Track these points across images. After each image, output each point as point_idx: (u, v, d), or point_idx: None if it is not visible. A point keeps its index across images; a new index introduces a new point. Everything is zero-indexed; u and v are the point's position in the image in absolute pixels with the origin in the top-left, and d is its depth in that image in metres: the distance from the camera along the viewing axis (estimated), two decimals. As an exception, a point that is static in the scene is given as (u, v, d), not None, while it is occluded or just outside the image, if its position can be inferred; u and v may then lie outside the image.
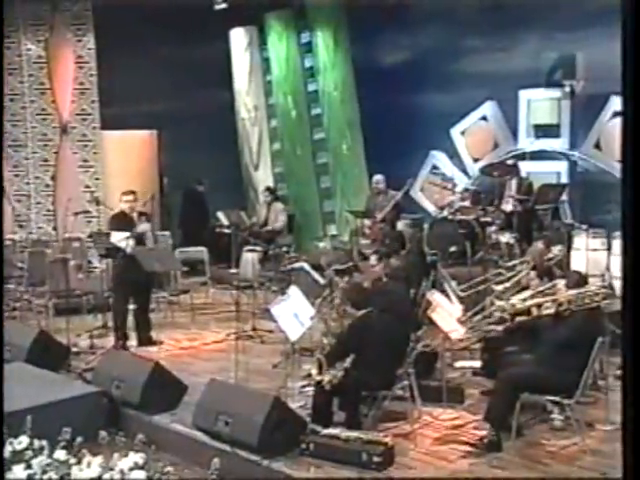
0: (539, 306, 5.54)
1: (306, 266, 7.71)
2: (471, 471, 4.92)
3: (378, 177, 10.43)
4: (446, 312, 5.98)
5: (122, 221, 7.77)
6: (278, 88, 12.72)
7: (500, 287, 6.38)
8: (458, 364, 6.85)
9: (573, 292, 5.36)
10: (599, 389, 5.86)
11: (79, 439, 4.32)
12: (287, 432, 5.17)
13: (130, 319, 8.00)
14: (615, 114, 9.30)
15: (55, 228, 11.08)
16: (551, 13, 9.42)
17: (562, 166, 9.87)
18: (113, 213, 8.00)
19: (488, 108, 10.45)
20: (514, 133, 10.28)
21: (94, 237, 8.97)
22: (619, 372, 6.18)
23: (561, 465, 4.95)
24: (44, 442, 4.33)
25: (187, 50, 11.71)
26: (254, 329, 8.05)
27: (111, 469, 4.13)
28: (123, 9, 10.26)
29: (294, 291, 6.19)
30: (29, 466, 4.19)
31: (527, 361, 5.52)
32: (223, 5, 10.99)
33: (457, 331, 5.92)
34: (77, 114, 11.36)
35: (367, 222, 10.30)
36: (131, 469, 4.11)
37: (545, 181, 9.51)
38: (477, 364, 6.71)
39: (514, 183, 9.35)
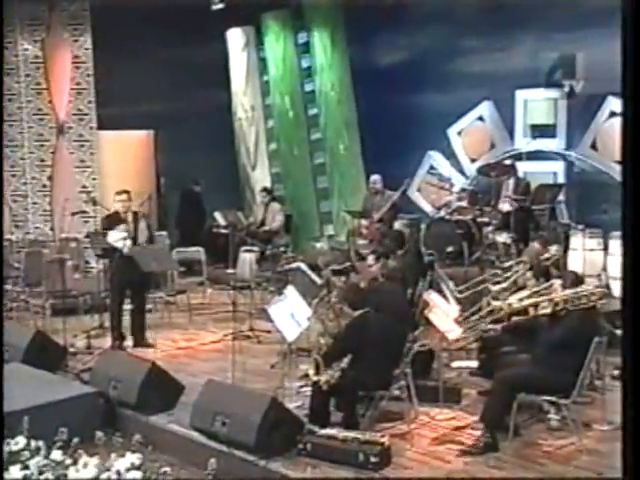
0: (536, 306, 5.54)
1: (303, 266, 7.71)
2: (468, 471, 4.93)
3: (375, 177, 10.44)
4: (443, 312, 5.99)
5: (115, 221, 7.76)
6: (275, 88, 12.72)
7: (497, 287, 6.38)
8: (455, 364, 6.85)
9: (569, 292, 5.37)
10: (596, 389, 5.87)
11: (76, 439, 4.32)
12: (284, 432, 5.17)
13: (128, 319, 7.99)
14: (611, 114, 9.32)
15: (52, 228, 11.06)
16: (548, 13, 9.43)
17: (559, 166, 9.88)
18: (106, 213, 7.99)
19: (485, 108, 10.46)
20: (511, 133, 10.28)
21: (91, 237, 8.96)
22: (616, 372, 6.21)
23: (558, 465, 4.96)
24: (41, 443, 4.33)
25: (184, 50, 11.71)
26: (251, 329, 8.05)
27: (108, 470, 4.14)
28: (120, 9, 10.25)
29: (291, 291, 6.19)
30: (26, 467, 4.19)
31: (524, 361, 5.53)
32: (220, 5, 10.98)
33: (454, 331, 5.93)
34: (74, 114, 11.34)
35: (364, 222, 10.30)
36: (128, 470, 4.11)
37: (542, 181, 9.52)
38: (474, 364, 6.71)
39: (511, 183, 9.37)
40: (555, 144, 9.91)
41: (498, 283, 6.59)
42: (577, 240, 8.15)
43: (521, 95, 10.04)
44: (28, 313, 8.89)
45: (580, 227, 8.28)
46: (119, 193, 7.87)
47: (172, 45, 11.59)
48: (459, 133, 10.72)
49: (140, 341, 7.87)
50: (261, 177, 13.08)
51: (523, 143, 9.99)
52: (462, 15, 10.17)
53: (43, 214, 11.33)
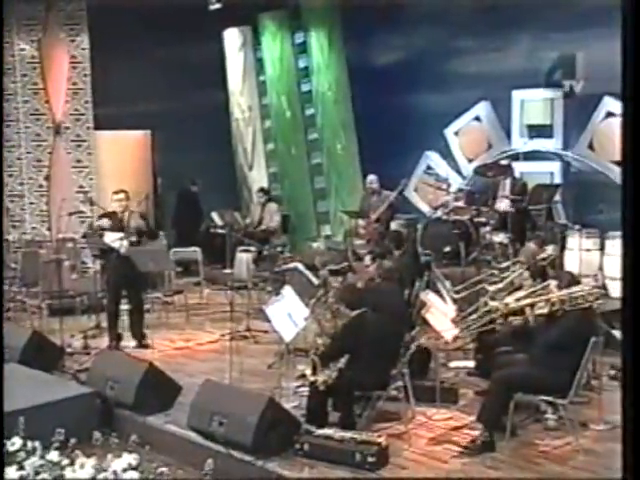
0: (532, 306, 5.55)
1: (300, 266, 7.72)
2: (465, 471, 4.93)
3: (372, 177, 10.44)
4: (440, 312, 6.00)
5: (111, 220, 7.77)
6: (272, 88, 12.72)
7: (493, 288, 6.39)
8: (452, 364, 6.87)
9: (566, 292, 5.38)
10: (592, 389, 5.88)
11: (73, 440, 4.33)
12: (281, 432, 5.17)
13: (124, 319, 7.98)
14: (608, 114, 9.34)
15: (49, 228, 11.04)
16: (544, 13, 9.44)
17: (555, 166, 9.89)
18: (102, 212, 7.99)
19: (482, 108, 10.47)
20: (508, 133, 10.30)
21: (88, 237, 8.95)
22: (612, 372, 6.22)
23: (555, 465, 4.96)
24: (37, 443, 4.33)
25: (181, 50, 11.70)
26: (248, 329, 8.04)
27: (104, 470, 4.14)
28: (117, 9, 10.24)
29: (288, 291, 6.19)
30: (22, 467, 4.19)
31: (521, 361, 5.53)
32: (217, 5, 10.98)
33: (451, 331, 5.93)
34: (71, 114, 11.32)
35: (361, 222, 10.31)
36: (125, 470, 4.13)
37: (539, 181, 9.53)
38: (471, 364, 6.73)
39: (508, 183, 9.38)
40: (552, 144, 9.91)
41: (495, 283, 6.60)
42: (574, 240, 8.16)
43: (518, 95, 10.04)
44: (25, 313, 8.88)
45: (577, 227, 8.29)
46: (116, 192, 7.87)
47: (169, 45, 11.58)
48: (456, 133, 10.73)
49: (140, 341, 7.86)
50: (258, 177, 13.08)
51: (520, 143, 10.00)
52: (458, 15, 10.18)
53: (40, 214, 11.31)
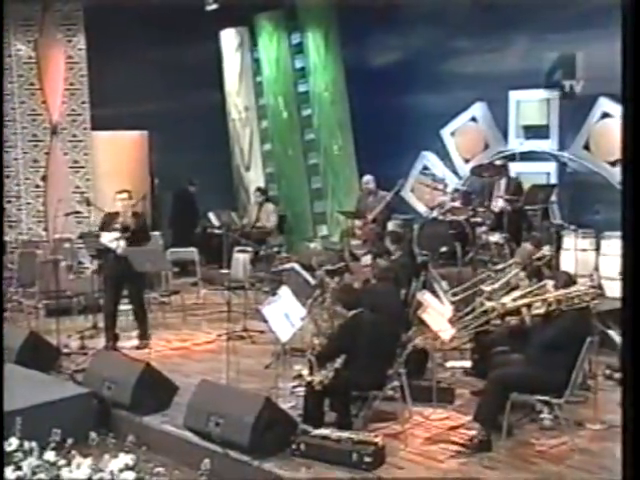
0: (529, 306, 5.57)
1: (297, 267, 7.72)
2: (461, 471, 4.94)
3: (368, 177, 10.46)
4: (437, 312, 6.00)
5: (113, 220, 7.77)
6: (269, 89, 12.73)
7: (489, 288, 6.40)
8: (449, 364, 6.88)
9: (562, 292, 5.40)
10: (588, 388, 5.89)
11: (69, 440, 4.32)
12: (278, 432, 5.18)
13: (121, 319, 7.98)
14: (604, 115, 9.36)
15: (45, 229, 11.04)
16: (540, 14, 9.46)
17: (551, 167, 9.90)
18: (107, 212, 7.99)
19: (478, 109, 10.47)
20: (504, 134, 10.31)
21: (84, 238, 8.95)
22: (608, 371, 6.24)
23: (551, 464, 4.98)
24: (34, 444, 4.32)
25: (178, 51, 11.70)
26: (245, 330, 8.05)
27: (101, 470, 4.14)
28: (114, 10, 10.25)
29: (285, 292, 6.20)
30: (19, 468, 4.19)
31: (517, 361, 5.55)
32: (214, 6, 10.99)
33: (447, 331, 5.94)
34: (67, 115, 11.32)
35: (358, 223, 10.32)
36: (121, 470, 4.13)
37: (535, 181, 9.54)
38: (467, 364, 6.74)
39: (503, 183, 9.40)
40: (548, 145, 9.93)
41: (491, 283, 6.61)
42: (569, 240, 8.17)
43: (514, 96, 10.05)
44: (21, 314, 8.87)
45: (572, 227, 8.30)
46: (120, 192, 7.90)
47: (166, 45, 11.58)
48: (452, 134, 10.74)
49: (144, 340, 7.86)
50: (255, 177, 13.09)
51: (516, 144, 10.01)
52: (455, 16, 10.20)
53: (36, 215, 11.30)
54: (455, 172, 10.77)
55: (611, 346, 6.19)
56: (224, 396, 5.58)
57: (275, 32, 12.48)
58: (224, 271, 9.19)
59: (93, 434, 4.42)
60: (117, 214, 7.79)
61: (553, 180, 9.82)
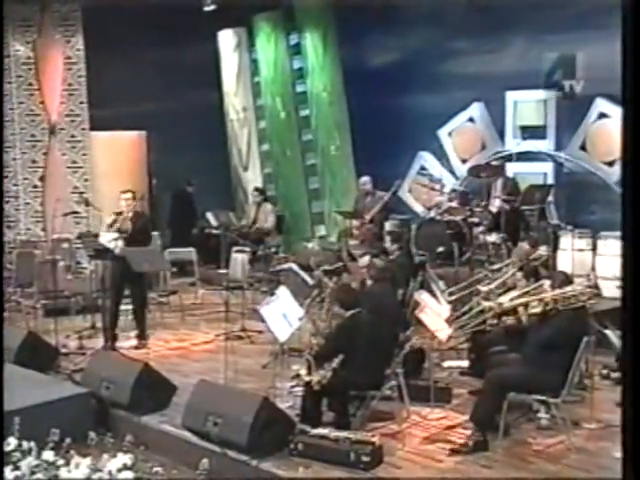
0: (526, 306, 5.59)
1: (295, 267, 7.73)
2: (459, 470, 4.96)
3: (365, 178, 10.49)
4: (434, 312, 6.03)
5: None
6: (267, 89, 12.74)
7: (486, 288, 6.42)
8: (446, 364, 6.89)
9: (559, 292, 5.42)
10: (585, 388, 5.91)
11: (68, 440, 4.33)
12: (276, 432, 5.19)
13: (120, 319, 8.00)
14: (600, 116, 9.39)
15: (44, 229, 11.05)
16: (538, 15, 9.48)
17: (548, 167, 9.93)
18: (115, 211, 8.02)
19: (475, 109, 10.51)
20: (501, 134, 10.33)
21: (83, 238, 8.96)
22: (604, 371, 6.27)
23: (547, 463, 4.99)
24: (32, 443, 4.33)
25: (176, 51, 11.71)
26: (243, 330, 8.06)
27: (100, 470, 4.15)
28: (112, 10, 10.26)
29: (283, 292, 6.22)
30: (17, 467, 4.19)
31: (514, 361, 5.56)
32: (212, 6, 10.99)
33: (445, 331, 5.96)
34: (66, 115, 11.33)
35: (355, 223, 10.35)
36: (120, 470, 4.13)
37: (532, 182, 9.58)
38: (464, 364, 6.76)
39: (499, 183, 9.43)
40: (545, 145, 9.96)
41: (488, 284, 6.63)
42: (566, 240, 8.19)
43: (511, 96, 10.08)
44: (19, 314, 8.87)
45: (569, 227, 8.32)
46: (124, 192, 7.94)
47: (164, 46, 11.59)
48: (450, 134, 10.76)
49: (141, 339, 7.87)
50: (253, 178, 13.10)
51: (513, 144, 10.03)
52: (452, 17, 10.22)
53: (35, 215, 11.31)
54: (452, 172, 10.80)
55: (608, 346, 6.20)
56: (222, 396, 5.59)
57: (273, 33, 12.49)
58: (222, 271, 9.21)
59: (92, 434, 4.43)
60: (121, 214, 7.82)
61: (550, 180, 9.84)
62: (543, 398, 5.22)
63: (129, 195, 7.90)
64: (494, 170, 9.62)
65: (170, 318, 9.12)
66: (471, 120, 10.59)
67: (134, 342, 7.93)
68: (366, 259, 6.95)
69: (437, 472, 4.94)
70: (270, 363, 6.76)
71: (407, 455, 5.18)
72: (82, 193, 10.81)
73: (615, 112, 9.19)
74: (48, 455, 4.25)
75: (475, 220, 9.35)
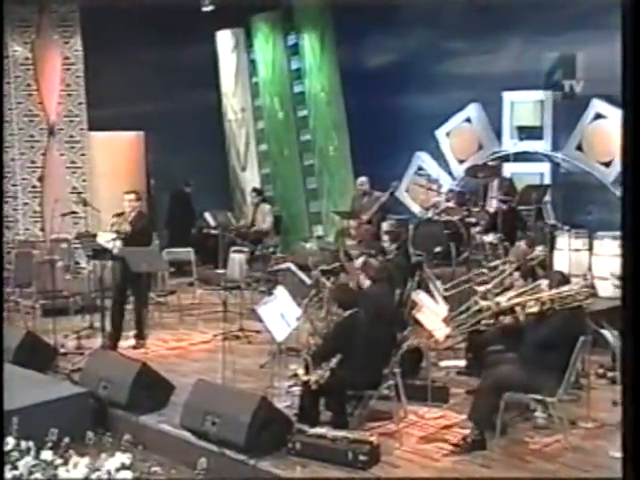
0: (523, 305, 5.60)
1: (293, 267, 7.75)
2: (456, 469, 4.97)
3: (362, 179, 10.50)
4: (431, 312, 6.04)
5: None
6: (265, 90, 12.76)
7: (483, 288, 6.44)
8: (443, 363, 6.91)
9: (556, 292, 5.44)
10: (581, 387, 5.93)
11: (66, 440, 4.34)
12: (274, 432, 5.20)
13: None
14: (597, 116, 9.42)
15: (42, 229, 11.06)
16: (535, 16, 9.51)
17: (545, 167, 9.96)
18: (116, 212, 8.04)
19: (472, 110, 10.53)
20: (498, 135, 10.36)
21: (81, 238, 8.97)
22: (601, 370, 6.29)
23: (544, 462, 5.01)
24: (30, 443, 4.34)
25: (174, 52, 11.73)
26: (241, 329, 8.07)
27: (98, 470, 4.16)
28: (110, 11, 10.27)
29: (281, 291, 6.23)
30: (15, 467, 4.20)
31: (511, 360, 5.57)
32: (210, 7, 11.01)
33: (442, 331, 5.98)
34: (64, 116, 11.35)
35: (353, 223, 10.36)
36: (118, 469, 4.14)
37: (528, 182, 9.60)
38: (462, 363, 6.77)
39: (496, 183, 9.46)
40: (541, 145, 9.98)
41: (485, 283, 6.65)
42: (563, 240, 8.21)
43: (508, 97, 10.11)
44: (18, 314, 8.89)
45: (566, 228, 8.34)
46: (128, 193, 7.96)
47: (162, 46, 11.61)
48: (447, 134, 10.78)
49: (140, 339, 7.89)
50: (251, 178, 13.12)
51: (510, 144, 10.05)
52: (450, 17, 10.24)
53: (33, 215, 11.32)
54: (449, 172, 10.82)
55: (604, 345, 6.23)
56: (220, 395, 5.61)
57: (271, 33, 12.51)
58: (220, 271, 9.22)
59: (90, 433, 4.44)
60: (124, 214, 7.84)
61: (547, 180, 9.87)
62: (540, 397, 5.23)
63: (132, 196, 7.92)
64: (491, 170, 9.65)
65: (168, 318, 9.14)
66: (468, 120, 10.62)
67: (132, 342, 7.94)
68: (361, 259, 6.96)
69: (434, 471, 4.96)
70: (268, 363, 6.78)
71: (405, 454, 5.19)
72: (80, 193, 10.80)
73: (611, 113, 9.22)
74: (46, 455, 4.26)
75: (472, 220, 9.37)
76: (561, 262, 8.03)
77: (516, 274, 6.43)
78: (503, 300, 5.79)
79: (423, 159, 10.97)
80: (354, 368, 5.41)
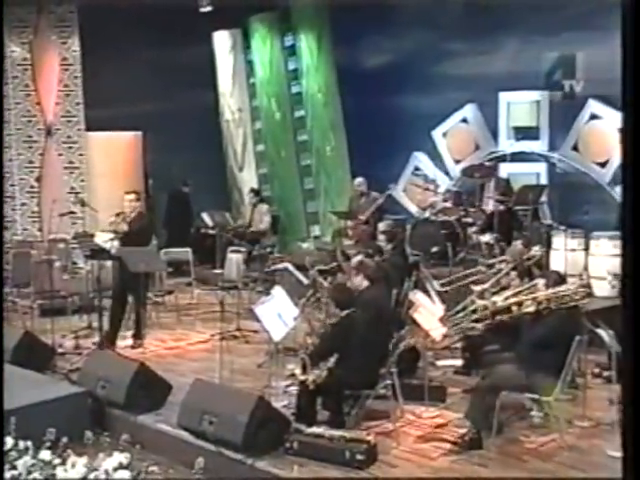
0: (519, 305, 5.63)
1: (290, 266, 7.76)
2: (453, 468, 4.99)
3: (359, 180, 10.53)
4: (428, 312, 6.06)
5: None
6: (262, 90, 12.77)
7: (479, 287, 6.46)
8: (440, 363, 6.93)
9: (552, 291, 5.46)
10: (577, 387, 5.95)
11: (64, 439, 4.35)
12: (271, 431, 5.22)
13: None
14: (592, 117, 9.45)
15: (40, 229, 11.07)
16: (531, 17, 9.54)
17: (541, 167, 10.00)
18: (116, 212, 8.05)
19: (469, 110, 10.56)
20: (494, 135, 10.39)
21: (79, 238, 8.98)
22: (596, 370, 6.31)
23: (540, 461, 5.03)
24: (29, 443, 4.35)
25: (172, 52, 11.74)
26: (238, 329, 8.09)
27: (96, 469, 4.16)
28: (108, 11, 10.29)
29: (278, 291, 6.25)
30: (14, 467, 4.21)
31: (507, 359, 5.60)
32: (208, 8, 11.02)
33: (439, 330, 5.99)
34: (62, 116, 11.37)
35: (350, 223, 10.38)
36: (116, 469, 4.14)
37: (525, 182, 9.63)
38: (458, 363, 6.79)
39: (493, 184, 9.49)
40: (538, 146, 10.01)
41: (481, 282, 6.67)
42: (559, 240, 8.23)
43: (504, 97, 10.14)
44: (16, 314, 8.89)
45: (562, 227, 8.36)
46: (128, 193, 7.97)
47: (160, 47, 11.62)
48: (444, 135, 10.81)
49: (138, 339, 7.90)
50: (248, 178, 13.13)
51: (507, 145, 10.09)
52: (447, 18, 10.26)
53: (31, 215, 11.34)
54: (446, 173, 10.85)
55: (600, 345, 6.25)
56: (218, 395, 5.62)
57: (268, 34, 12.53)
58: (218, 271, 9.24)
59: (88, 433, 4.45)
60: (124, 214, 7.85)
61: (543, 181, 9.90)
62: (536, 396, 5.26)
63: (132, 196, 7.93)
64: (487, 170, 9.68)
65: (166, 318, 9.15)
66: (465, 121, 10.64)
67: (130, 342, 7.96)
68: (356, 259, 6.97)
69: (431, 470, 4.97)
70: (265, 362, 6.79)
71: (401, 453, 5.21)
72: (78, 193, 10.83)
73: (607, 113, 9.26)
74: (44, 454, 4.26)
75: (469, 220, 9.40)
76: (557, 262, 8.05)
77: (513, 274, 6.44)
78: (499, 299, 5.81)
79: (420, 159, 11.00)
80: (351, 368, 5.43)
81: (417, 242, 9.22)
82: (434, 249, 9.01)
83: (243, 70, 13.03)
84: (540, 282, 5.66)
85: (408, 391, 5.88)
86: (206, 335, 8.31)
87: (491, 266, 7.11)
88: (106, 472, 4.14)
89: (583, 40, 9.20)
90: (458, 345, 6.96)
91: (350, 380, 5.44)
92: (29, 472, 4.19)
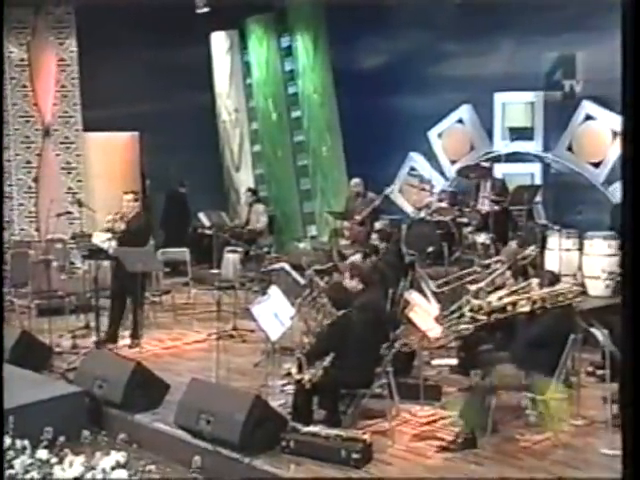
0: (514, 304, 5.66)
1: (286, 266, 7.79)
2: (448, 467, 5.02)
3: (356, 180, 10.54)
4: (424, 311, 6.09)
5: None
6: (258, 91, 12.79)
7: (474, 287, 6.49)
8: (435, 362, 6.96)
9: (547, 291, 5.50)
10: (571, 385, 5.98)
11: (61, 438, 4.37)
12: (268, 430, 5.24)
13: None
14: (587, 117, 9.50)
15: (37, 229, 11.08)
16: (526, 18, 9.57)
17: (536, 168, 10.03)
18: (115, 212, 8.07)
19: (464, 111, 10.58)
20: (490, 136, 10.42)
21: (76, 238, 9.00)
22: (590, 369, 6.35)
23: (535, 459, 5.06)
24: (26, 442, 4.37)
25: (169, 53, 11.75)
26: (235, 329, 8.11)
27: (93, 468, 4.19)
28: (105, 12, 10.30)
29: (274, 291, 6.28)
30: (11, 466, 4.23)
31: (502, 359, 5.63)
32: (204, 9, 11.04)
33: (434, 330, 6.03)
34: (59, 116, 11.37)
35: (346, 223, 10.41)
36: (113, 468, 4.17)
37: (520, 182, 9.67)
38: (454, 362, 6.81)
39: (488, 184, 9.52)
40: (532, 146, 10.05)
41: (477, 282, 6.70)
42: (554, 240, 8.26)
43: (499, 98, 10.17)
44: (13, 313, 8.89)
45: (557, 227, 8.39)
46: (126, 193, 7.99)
47: (157, 48, 11.63)
48: (439, 135, 10.83)
49: (135, 339, 7.92)
50: (245, 178, 13.15)
51: (502, 145, 10.11)
52: (443, 19, 10.29)
53: (29, 215, 11.34)
54: (442, 173, 10.87)
55: (594, 344, 6.28)
56: (215, 394, 5.64)
57: (265, 35, 12.55)
58: (214, 271, 9.26)
59: (85, 432, 4.47)
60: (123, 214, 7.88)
61: (538, 181, 9.94)
62: (531, 395, 5.29)
63: (131, 196, 7.95)
64: (483, 171, 9.71)
65: (163, 317, 9.16)
66: (460, 121, 10.67)
67: (127, 341, 7.98)
68: (350, 260, 7.01)
69: (427, 469, 5.00)
70: (262, 362, 6.82)
71: (397, 452, 5.24)
72: (76, 194, 10.84)
73: (601, 114, 9.31)
74: (42, 453, 4.28)
75: (464, 220, 9.43)
76: (552, 262, 8.09)
77: (507, 273, 6.48)
78: (494, 299, 5.84)
79: (416, 160, 11.02)
80: (347, 367, 5.46)
81: (413, 242, 9.25)
82: (430, 249, 9.04)
83: (240, 71, 13.05)
84: (535, 282, 5.71)
85: (404, 390, 5.90)
86: (203, 335, 8.33)
87: (486, 266, 7.14)
88: (103, 471, 4.16)
89: (583, 40, 9.24)
90: (453, 344, 6.99)
91: (346, 379, 5.47)
92: (26, 471, 4.21)
